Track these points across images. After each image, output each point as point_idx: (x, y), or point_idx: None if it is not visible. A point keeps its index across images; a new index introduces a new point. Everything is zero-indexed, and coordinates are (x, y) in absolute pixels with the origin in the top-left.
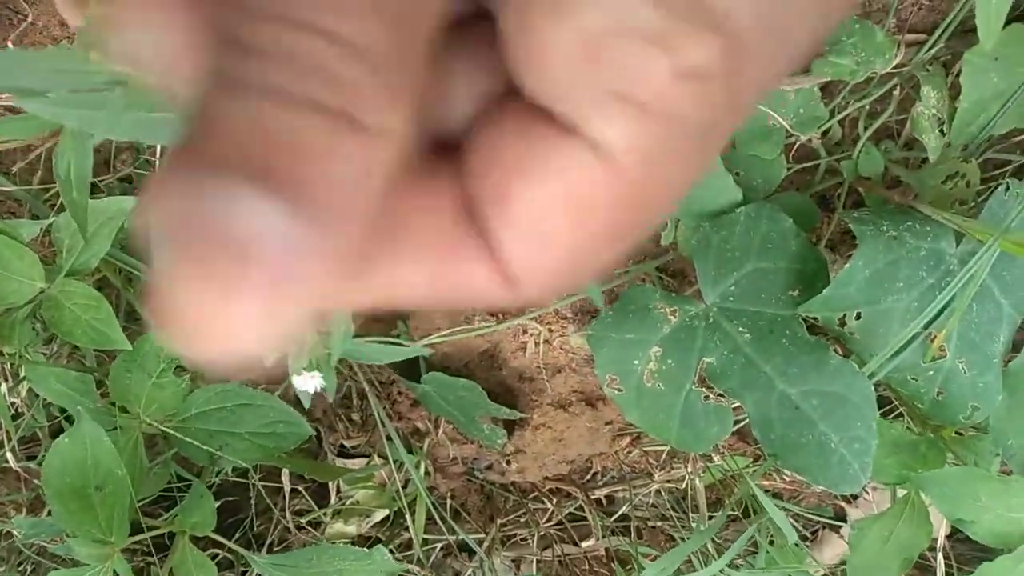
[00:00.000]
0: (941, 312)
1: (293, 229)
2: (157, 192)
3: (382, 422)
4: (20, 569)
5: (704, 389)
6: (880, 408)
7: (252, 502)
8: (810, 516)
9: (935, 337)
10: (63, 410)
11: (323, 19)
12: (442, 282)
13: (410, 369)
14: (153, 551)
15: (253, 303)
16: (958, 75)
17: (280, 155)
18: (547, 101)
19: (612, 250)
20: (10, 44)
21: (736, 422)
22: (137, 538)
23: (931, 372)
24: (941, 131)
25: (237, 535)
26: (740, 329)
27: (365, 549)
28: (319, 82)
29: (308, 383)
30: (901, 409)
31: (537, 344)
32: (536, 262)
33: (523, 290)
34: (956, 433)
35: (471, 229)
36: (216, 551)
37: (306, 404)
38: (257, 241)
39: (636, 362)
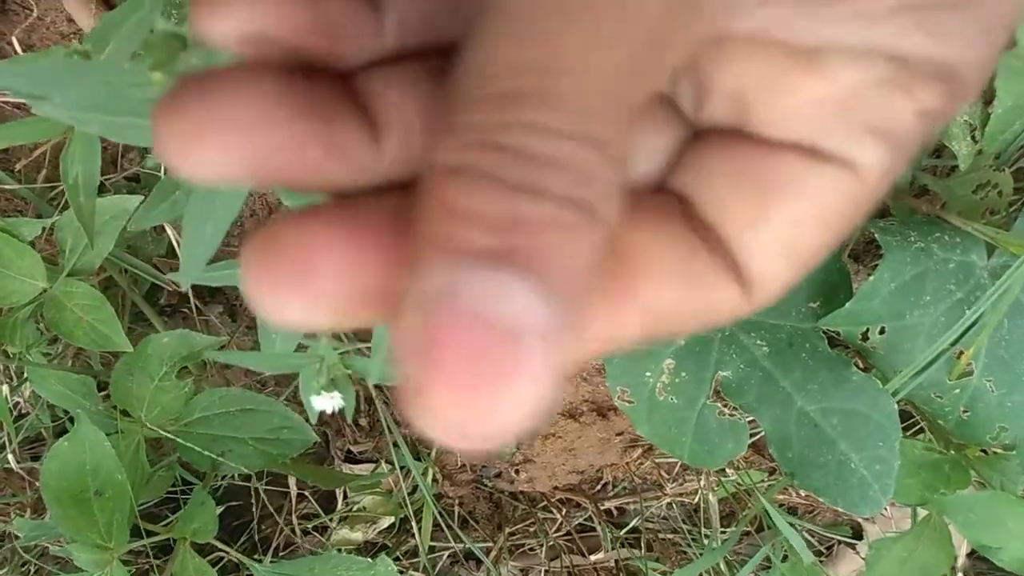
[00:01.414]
0: (970, 328)
1: (552, 314)
2: (415, 287)
3: (389, 428)
4: (23, 570)
5: (719, 404)
6: (903, 422)
7: (258, 506)
8: (825, 533)
9: (962, 354)
10: (67, 411)
11: (575, 124)
12: (685, 307)
13: None
14: (155, 555)
15: (526, 390)
16: (992, 79)
17: (534, 244)
18: (795, 136)
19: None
20: (15, 39)
21: (752, 434)
22: (138, 543)
23: (957, 390)
24: (973, 138)
25: (243, 539)
26: (758, 342)
27: (368, 559)
28: (571, 179)
29: (326, 403)
30: (923, 424)
31: None
32: (783, 274)
33: (762, 300)
34: (981, 451)
35: (711, 253)
36: (221, 554)
37: (312, 419)
38: (527, 329)
39: (648, 374)
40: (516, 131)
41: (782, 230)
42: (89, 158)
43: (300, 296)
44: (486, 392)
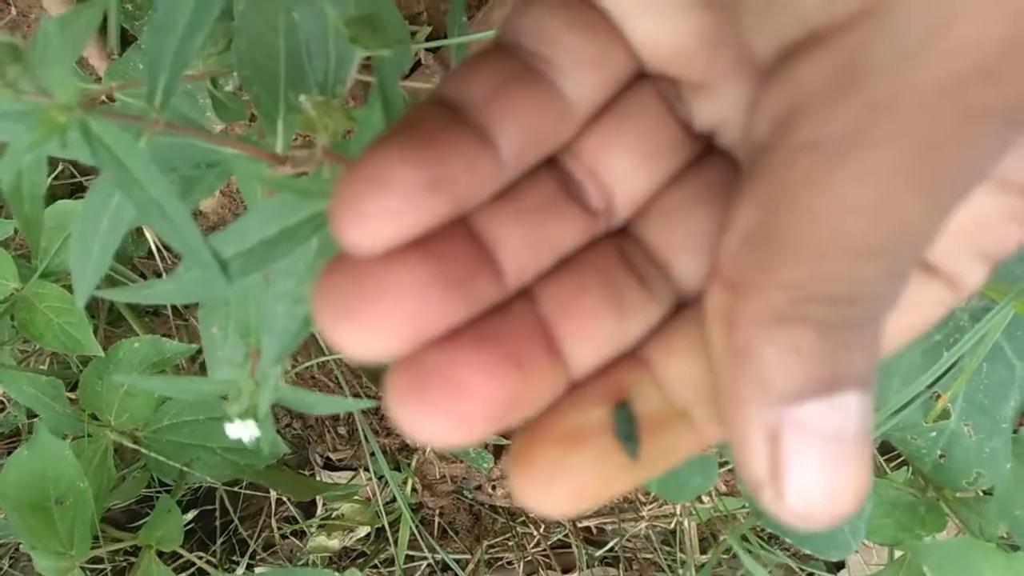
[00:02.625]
0: (948, 371)
1: (866, 406)
2: (745, 427)
3: (366, 437)
4: None
5: None
6: (884, 454)
7: (237, 508)
8: (804, 563)
9: (940, 397)
10: None
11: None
12: None
13: None
14: (130, 557)
15: (866, 472)
16: None
17: (852, 363)
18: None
19: None
20: None
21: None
22: (104, 549)
23: (934, 433)
24: None
25: (222, 539)
26: None
27: (336, 573)
28: (869, 311)
29: (241, 431)
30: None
31: None
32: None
33: (961, 296)
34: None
35: None
36: (194, 559)
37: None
38: (861, 428)
39: None
40: (839, 282)
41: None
42: (33, 164)
43: (451, 417)
44: (839, 485)
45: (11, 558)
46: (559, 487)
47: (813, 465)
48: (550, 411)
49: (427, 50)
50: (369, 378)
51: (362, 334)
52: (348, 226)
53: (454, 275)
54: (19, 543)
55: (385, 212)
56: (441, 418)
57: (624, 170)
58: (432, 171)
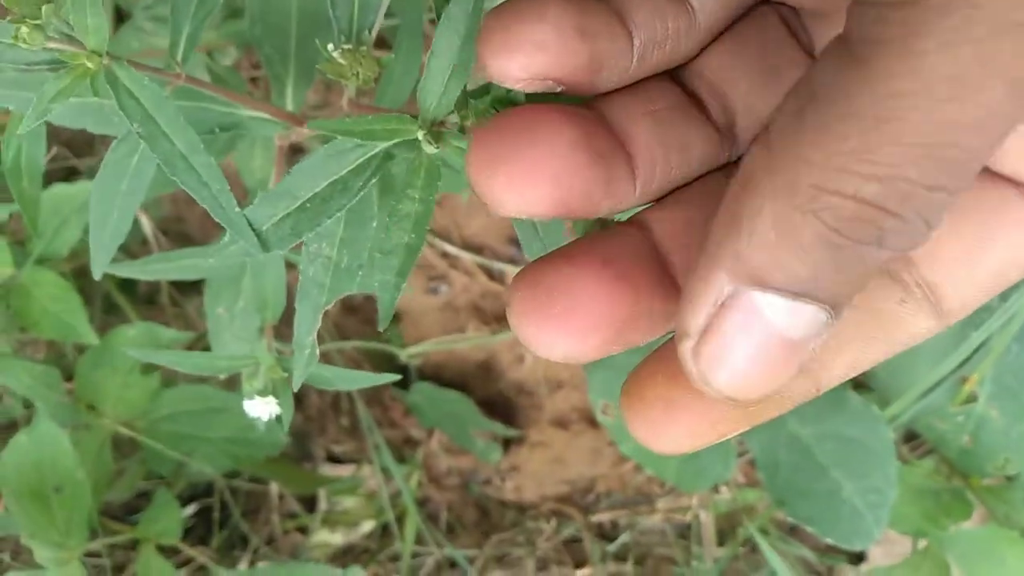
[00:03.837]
0: (975, 352)
1: (824, 324)
2: (705, 287)
3: (369, 429)
4: None
5: None
6: (909, 442)
7: (239, 502)
8: (824, 556)
9: (967, 380)
10: None
11: (929, 176)
12: (879, 347)
13: (402, 375)
14: (129, 551)
15: (777, 381)
16: None
17: (837, 280)
18: (1020, 173)
19: None
20: None
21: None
22: (102, 542)
23: (960, 417)
24: None
25: (223, 534)
26: None
27: (339, 569)
28: (902, 229)
29: (261, 409)
30: (931, 445)
31: (535, 357)
32: (979, 302)
33: (952, 322)
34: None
35: (906, 289)
36: (193, 554)
37: (261, 428)
38: (796, 332)
39: None
40: (882, 187)
41: (992, 268)
42: (32, 139)
43: (566, 332)
44: (749, 370)
45: (12, 552)
46: (669, 425)
47: (743, 346)
48: (665, 347)
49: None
50: (371, 364)
51: (511, 184)
52: (495, 53)
53: (599, 147)
54: (19, 537)
55: (534, 43)
56: (559, 333)
57: (744, 90)
58: (580, 20)
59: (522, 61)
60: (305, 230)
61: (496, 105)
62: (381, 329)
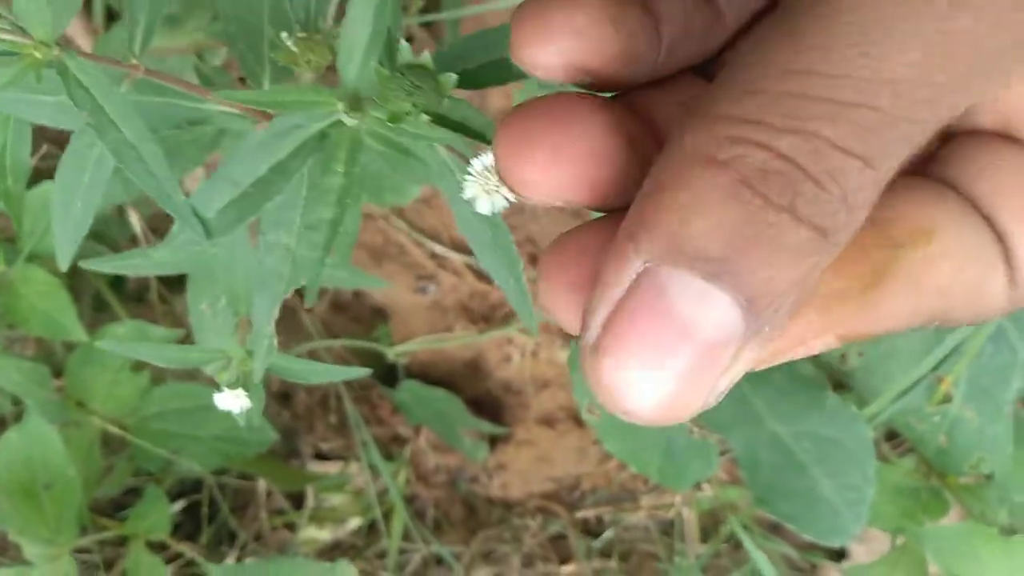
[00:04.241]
0: (951, 354)
1: (738, 323)
2: (619, 253)
3: (357, 427)
4: None
5: (689, 423)
6: (890, 440)
7: (227, 499)
8: (806, 553)
9: (943, 380)
10: None
11: (862, 148)
12: (958, 291)
13: (390, 374)
14: (117, 547)
15: (696, 387)
16: None
17: (747, 256)
18: None
19: None
20: None
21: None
22: (91, 538)
23: (936, 417)
24: None
25: (211, 530)
26: None
27: (328, 563)
28: (829, 205)
29: (231, 402)
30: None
31: (523, 356)
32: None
33: (1021, 297)
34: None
35: (990, 238)
36: (182, 550)
37: (240, 422)
38: (720, 337)
39: None
40: (798, 137)
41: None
42: (16, 137)
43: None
44: (652, 378)
45: (0, 547)
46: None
47: (640, 339)
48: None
49: (420, 24)
50: (359, 362)
51: (542, 166)
52: (529, 41)
53: (632, 132)
54: (7, 533)
55: (571, 30)
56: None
57: None
58: (614, 11)
59: (558, 47)
60: (248, 215)
61: (421, 80)
62: (308, 307)
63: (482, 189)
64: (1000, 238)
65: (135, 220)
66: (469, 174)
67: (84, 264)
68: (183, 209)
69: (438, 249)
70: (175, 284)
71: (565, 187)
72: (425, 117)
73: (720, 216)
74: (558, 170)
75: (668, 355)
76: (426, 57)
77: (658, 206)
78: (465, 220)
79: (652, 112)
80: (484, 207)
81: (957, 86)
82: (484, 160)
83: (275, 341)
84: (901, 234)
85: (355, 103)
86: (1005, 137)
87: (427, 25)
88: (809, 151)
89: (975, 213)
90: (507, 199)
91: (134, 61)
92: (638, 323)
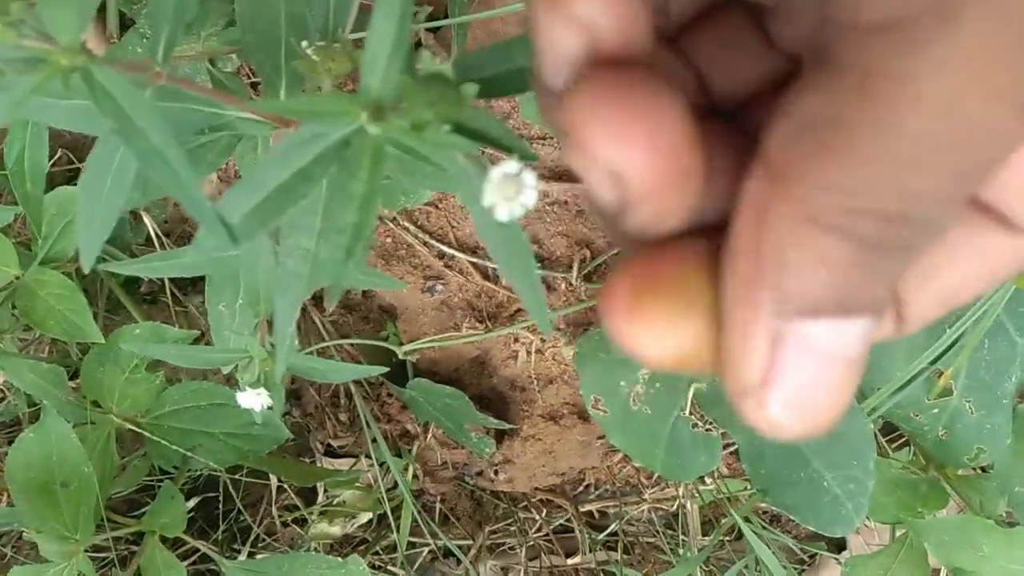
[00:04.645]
0: (950, 347)
1: (868, 333)
2: (755, 314)
3: (367, 424)
4: None
5: (694, 416)
6: (886, 434)
7: (239, 495)
8: (806, 545)
9: (942, 374)
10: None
11: (933, 183)
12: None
13: (399, 371)
14: (132, 543)
15: (844, 400)
16: None
17: (872, 290)
18: (999, 205)
19: None
20: None
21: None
22: (107, 536)
23: (936, 410)
24: None
25: (224, 527)
26: None
27: (340, 558)
28: (913, 231)
29: (253, 400)
30: (907, 437)
31: (529, 353)
32: (933, 315)
33: (907, 333)
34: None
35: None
36: (197, 545)
37: (257, 420)
38: (856, 358)
39: (623, 384)
40: (886, 192)
41: (949, 284)
42: (34, 142)
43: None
44: (820, 403)
45: (13, 546)
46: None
47: (805, 381)
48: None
49: (427, 30)
50: (368, 360)
51: (614, 137)
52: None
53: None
54: (22, 532)
55: None
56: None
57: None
58: None
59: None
60: (272, 220)
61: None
62: (329, 309)
63: (501, 197)
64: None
65: (149, 223)
66: (488, 182)
67: (104, 267)
68: (209, 214)
69: (446, 250)
70: (187, 285)
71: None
72: (446, 126)
73: (842, 272)
74: (633, 144)
75: (829, 379)
76: (446, 67)
77: (784, 273)
78: (483, 225)
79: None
80: (503, 214)
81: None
82: (503, 168)
83: (296, 341)
84: None
85: (378, 112)
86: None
87: (434, 31)
88: (911, 204)
89: None
90: (524, 206)
91: (157, 68)
92: (798, 370)
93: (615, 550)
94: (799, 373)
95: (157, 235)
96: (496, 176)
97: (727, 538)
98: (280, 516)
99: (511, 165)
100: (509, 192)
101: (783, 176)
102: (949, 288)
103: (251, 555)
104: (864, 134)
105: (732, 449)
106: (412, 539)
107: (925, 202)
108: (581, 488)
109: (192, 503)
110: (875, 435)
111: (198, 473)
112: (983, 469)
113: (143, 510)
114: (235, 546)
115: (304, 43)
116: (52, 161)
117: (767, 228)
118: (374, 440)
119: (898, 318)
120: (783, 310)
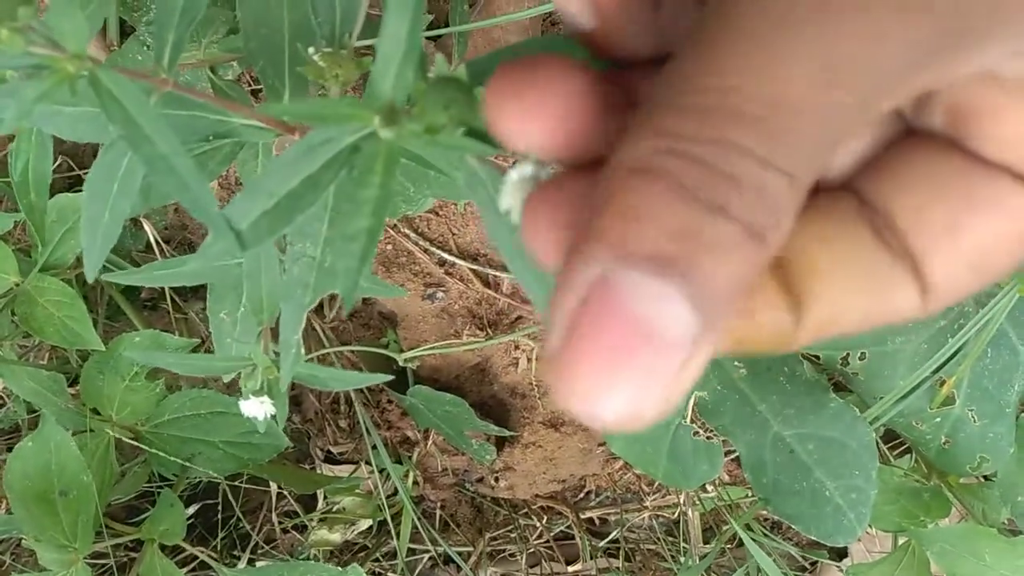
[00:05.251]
0: (953, 356)
1: (698, 326)
2: (572, 265)
3: (368, 430)
4: None
5: (695, 425)
6: (888, 443)
7: (239, 502)
8: (807, 552)
9: (944, 383)
10: None
11: (780, 157)
12: (859, 309)
13: (399, 378)
14: (131, 551)
15: (654, 388)
16: None
17: (700, 259)
18: (1009, 160)
19: None
20: None
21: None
22: (107, 543)
23: (938, 419)
24: None
25: (223, 534)
26: (736, 363)
27: (339, 568)
28: (755, 204)
29: (257, 409)
30: (909, 445)
31: (529, 360)
32: (967, 285)
33: (940, 306)
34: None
35: (893, 256)
36: (196, 552)
37: (260, 428)
38: (672, 335)
39: None
40: (717, 147)
41: (977, 242)
42: (39, 152)
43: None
44: (617, 383)
45: (12, 554)
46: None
47: (608, 349)
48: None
49: (428, 39)
50: (368, 367)
51: (519, 118)
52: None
53: (613, 101)
54: (20, 539)
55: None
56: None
57: None
58: None
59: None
60: (280, 227)
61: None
62: (345, 316)
63: (519, 199)
64: (911, 256)
65: (149, 230)
66: (506, 184)
67: (107, 277)
68: (218, 220)
69: (446, 257)
70: (188, 293)
71: (542, 139)
72: (460, 129)
73: (662, 219)
74: (536, 123)
75: (630, 358)
76: (461, 71)
77: (603, 215)
78: (496, 229)
79: (633, 85)
80: (519, 217)
81: (860, 101)
82: (520, 170)
83: (302, 348)
84: (791, 248)
85: (391, 116)
86: (946, 142)
87: (435, 40)
88: (728, 159)
89: (879, 234)
90: None
91: (163, 75)
92: (598, 330)
93: (616, 557)
94: (602, 337)
95: (157, 242)
96: (514, 178)
97: (728, 545)
98: (280, 523)
99: (528, 167)
100: (527, 194)
101: (639, 109)
102: (979, 250)
103: (251, 562)
104: (703, 77)
105: (733, 456)
106: (412, 546)
107: (733, 156)
108: (582, 495)
109: (191, 510)
110: (877, 443)
111: (197, 480)
112: (986, 478)
113: (142, 517)
114: (235, 553)
115: (311, 50)
116: (53, 168)
117: (607, 174)
118: (374, 447)
119: (922, 290)
120: (600, 251)
